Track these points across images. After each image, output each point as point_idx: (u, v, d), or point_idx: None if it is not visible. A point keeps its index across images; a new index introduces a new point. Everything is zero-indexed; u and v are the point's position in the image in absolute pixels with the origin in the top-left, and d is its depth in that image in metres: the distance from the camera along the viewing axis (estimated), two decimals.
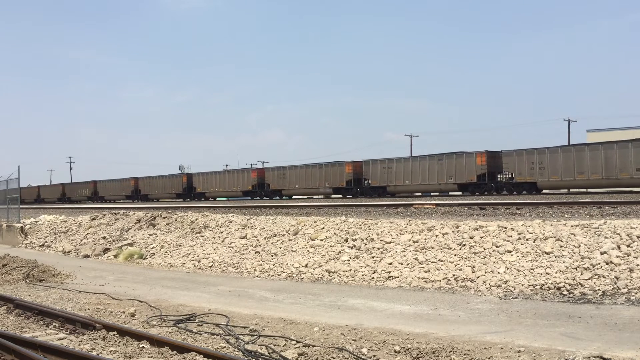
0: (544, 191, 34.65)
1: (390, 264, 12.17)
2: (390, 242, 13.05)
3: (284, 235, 15.58)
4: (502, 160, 35.75)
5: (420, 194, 42.19)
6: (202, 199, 54.01)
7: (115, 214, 24.64)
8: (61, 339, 8.20)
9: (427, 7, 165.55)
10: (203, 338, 8.02)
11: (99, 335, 8.12)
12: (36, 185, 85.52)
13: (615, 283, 9.32)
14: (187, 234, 18.44)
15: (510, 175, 35.79)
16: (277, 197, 46.85)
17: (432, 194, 42.24)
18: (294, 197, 46.94)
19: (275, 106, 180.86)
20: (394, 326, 8.08)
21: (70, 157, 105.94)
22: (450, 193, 39.57)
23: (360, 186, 42.97)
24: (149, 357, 7.15)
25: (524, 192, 33.96)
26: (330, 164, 44.56)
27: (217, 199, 52.93)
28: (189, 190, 56.42)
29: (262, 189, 49.34)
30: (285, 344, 7.50)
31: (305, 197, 46.37)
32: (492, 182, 36.13)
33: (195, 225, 18.93)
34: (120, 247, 19.17)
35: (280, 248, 14.79)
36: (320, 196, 44.79)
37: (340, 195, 43.50)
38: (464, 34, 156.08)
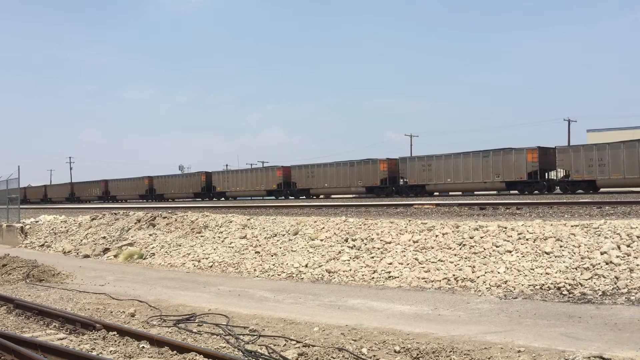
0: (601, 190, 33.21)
1: (390, 264, 12.17)
2: (390, 242, 13.06)
3: (284, 235, 15.58)
4: (556, 157, 33.69)
5: (461, 193, 39.42)
6: (222, 199, 52.12)
7: (115, 214, 24.63)
8: (61, 339, 8.20)
9: (427, 7, 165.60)
10: (203, 338, 8.02)
11: (99, 335, 8.12)
12: (43, 185, 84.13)
13: (615, 283, 9.32)
14: (187, 234, 18.44)
15: (565, 173, 33.65)
16: (304, 197, 44.95)
17: (476, 193, 39.00)
18: (322, 196, 45.07)
19: (275, 106, 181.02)
20: (394, 326, 8.08)
21: (70, 157, 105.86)
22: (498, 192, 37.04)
23: (395, 185, 41.08)
24: (149, 357, 7.15)
25: (580, 191, 31.91)
26: (364, 161, 42.53)
27: (237, 198, 51.34)
28: (208, 189, 54.61)
29: (287, 188, 47.41)
30: (285, 344, 7.50)
31: (335, 196, 44.25)
32: (544, 180, 34.24)
33: (195, 225, 18.93)
34: (120, 247, 19.17)
35: (280, 248, 14.79)
36: (351, 196, 42.84)
37: (374, 195, 41.25)
38: (464, 34, 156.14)
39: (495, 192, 36.52)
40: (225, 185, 52.69)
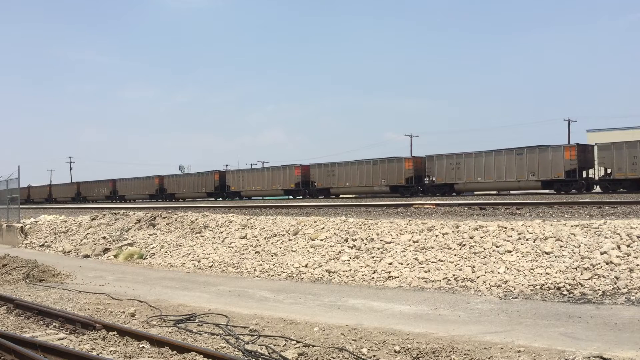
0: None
1: (390, 264, 12.17)
2: (390, 242, 13.05)
3: (284, 235, 15.58)
4: (598, 154, 32.03)
5: (495, 192, 37.30)
6: (236, 198, 50.49)
7: (115, 214, 24.64)
8: (61, 339, 8.20)
9: (427, 7, 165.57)
10: (203, 338, 8.02)
11: (99, 335, 8.12)
12: (47, 184, 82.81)
13: (615, 283, 9.32)
14: (187, 234, 18.44)
15: (605, 171, 32.05)
16: (322, 197, 43.29)
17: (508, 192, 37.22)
18: (342, 195, 43.72)
19: (276, 106, 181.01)
20: (394, 326, 8.08)
21: (70, 157, 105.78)
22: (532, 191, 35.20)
23: (421, 183, 39.42)
24: (149, 357, 7.15)
25: (622, 189, 30.36)
26: (387, 159, 40.87)
27: (252, 198, 50.07)
28: (221, 189, 53.10)
29: (306, 187, 45.66)
30: (285, 344, 7.50)
31: (356, 196, 42.86)
32: (582, 179, 32.77)
33: (195, 225, 18.93)
34: (120, 247, 19.17)
35: (280, 248, 14.78)
36: (373, 195, 40.82)
37: (398, 194, 39.70)
38: (464, 34, 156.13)
39: (530, 191, 34.75)
40: (240, 185, 51.12)
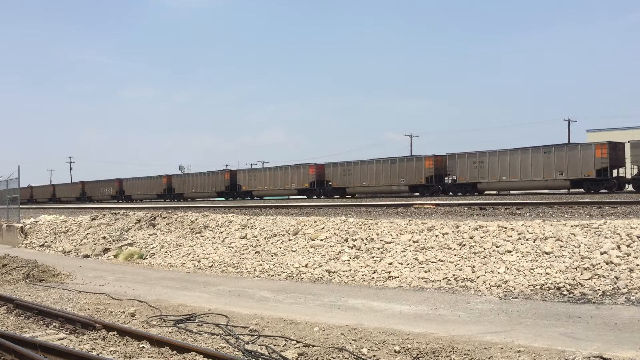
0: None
1: (390, 264, 12.17)
2: (390, 242, 13.06)
3: (284, 235, 15.58)
4: (631, 152, 30.85)
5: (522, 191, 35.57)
6: (248, 198, 49.42)
7: (115, 214, 24.64)
8: (61, 339, 8.20)
9: (427, 7, 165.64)
10: (203, 338, 8.02)
11: (99, 335, 8.12)
12: (51, 184, 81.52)
13: (615, 283, 9.32)
14: (187, 234, 18.44)
15: None
16: (338, 196, 42.23)
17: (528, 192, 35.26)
18: (358, 195, 42.19)
19: (276, 106, 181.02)
20: (394, 326, 8.08)
21: (70, 157, 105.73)
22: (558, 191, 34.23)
23: (441, 183, 38.18)
24: (149, 357, 7.15)
25: None
26: (407, 158, 40.20)
27: (264, 198, 48.65)
28: (232, 188, 51.77)
29: (321, 186, 44.35)
30: (285, 344, 7.51)
31: (374, 195, 40.79)
32: (614, 177, 31.42)
33: (195, 225, 18.93)
34: (120, 247, 19.17)
35: (280, 248, 14.78)
36: (391, 195, 39.61)
37: (418, 194, 38.92)
38: (464, 34, 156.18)
39: (558, 190, 33.90)
40: (252, 184, 49.78)
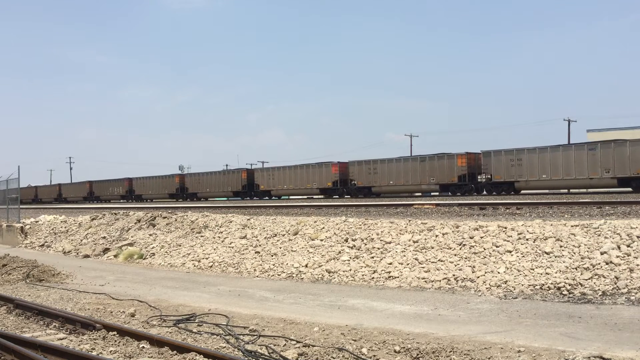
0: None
1: (390, 264, 12.17)
2: (390, 242, 13.06)
3: (284, 235, 15.58)
4: None
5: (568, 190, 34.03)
6: (266, 198, 47.86)
7: (115, 214, 24.65)
8: (61, 339, 8.20)
9: (427, 7, 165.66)
10: (203, 338, 8.02)
11: (99, 335, 8.12)
12: (57, 184, 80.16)
13: (615, 283, 9.32)
14: (187, 234, 18.45)
15: None
16: (362, 196, 40.58)
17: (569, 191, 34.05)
18: (383, 195, 40.38)
19: (275, 106, 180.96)
20: (394, 326, 8.08)
21: (70, 157, 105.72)
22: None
23: (475, 182, 36.43)
24: (149, 357, 7.15)
25: None
26: (437, 156, 37.97)
27: (282, 197, 47.14)
28: (249, 188, 50.24)
29: (344, 185, 42.95)
30: (285, 344, 7.51)
31: (402, 195, 39.54)
32: None
33: (195, 225, 18.93)
34: (120, 247, 19.17)
35: (280, 248, 14.79)
36: (420, 194, 38.36)
37: (449, 193, 37.20)
38: (464, 34, 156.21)
39: (604, 189, 31.62)
40: (271, 184, 48.00)
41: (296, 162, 44.09)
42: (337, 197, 41.80)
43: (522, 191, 34.45)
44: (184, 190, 57.00)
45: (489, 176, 35.64)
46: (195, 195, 55.66)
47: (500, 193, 33.93)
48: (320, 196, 43.84)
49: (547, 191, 33.62)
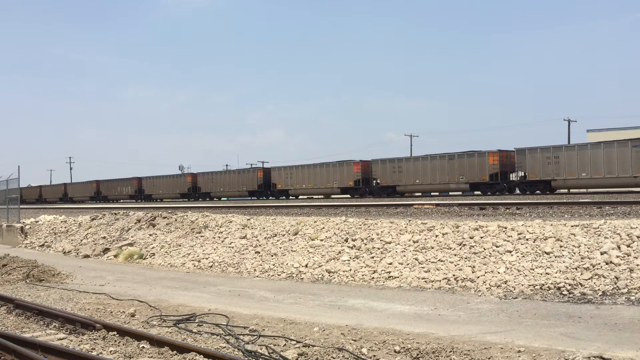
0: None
1: (390, 264, 12.17)
2: (390, 242, 13.05)
3: (284, 235, 15.58)
4: None
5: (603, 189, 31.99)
6: (283, 198, 46.68)
7: (115, 214, 24.64)
8: (61, 339, 8.20)
9: (427, 7, 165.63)
10: (203, 338, 8.02)
11: (99, 335, 8.12)
12: (62, 183, 78.83)
13: (615, 283, 9.32)
14: (187, 234, 18.44)
15: None
16: (385, 195, 39.23)
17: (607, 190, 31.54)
18: (407, 194, 39.55)
19: (276, 106, 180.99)
20: (394, 326, 8.08)
21: (70, 157, 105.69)
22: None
23: (507, 181, 35.29)
24: (149, 357, 7.15)
25: None
26: (467, 153, 36.74)
27: (300, 197, 45.81)
28: (266, 187, 49.11)
29: (366, 185, 41.79)
30: (285, 344, 7.50)
31: (429, 194, 38.71)
32: None
33: (195, 225, 18.93)
34: (120, 247, 19.17)
35: (280, 248, 14.79)
36: (450, 193, 37.23)
37: (479, 192, 36.21)
38: (464, 34, 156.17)
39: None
40: (288, 183, 46.86)
41: (315, 161, 44.53)
42: (359, 196, 40.60)
43: (558, 190, 33.36)
44: (196, 190, 55.79)
45: (523, 175, 34.32)
46: (209, 194, 54.52)
47: (535, 192, 32.74)
48: (341, 196, 42.82)
49: (584, 190, 32.52)
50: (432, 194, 41.17)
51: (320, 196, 44.35)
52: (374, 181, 41.77)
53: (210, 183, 54.65)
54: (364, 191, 41.63)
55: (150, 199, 60.23)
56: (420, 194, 41.07)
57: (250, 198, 49.98)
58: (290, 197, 46.33)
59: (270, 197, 48.14)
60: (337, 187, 43.19)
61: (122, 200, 63.05)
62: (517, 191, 34.56)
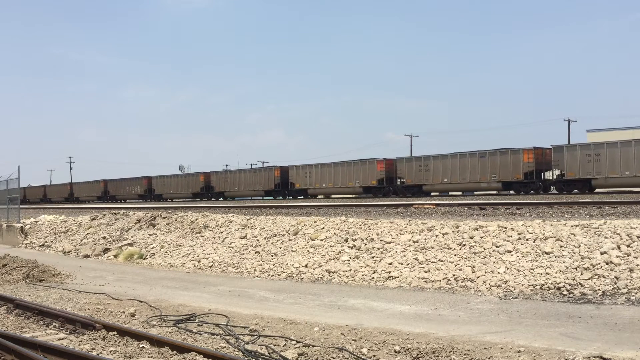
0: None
1: (390, 264, 12.17)
2: (390, 242, 13.05)
3: (284, 235, 15.58)
4: None
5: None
6: (301, 197, 45.33)
7: (115, 214, 24.64)
8: (61, 339, 8.20)
9: (427, 7, 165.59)
10: (203, 338, 8.02)
11: (99, 335, 8.12)
12: (68, 183, 77.57)
13: (615, 283, 9.32)
14: (187, 234, 18.44)
15: None
16: (410, 195, 38.26)
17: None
18: (434, 193, 38.46)
19: (276, 106, 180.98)
20: (394, 326, 8.08)
21: (70, 157, 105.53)
22: None
23: (541, 179, 34.20)
24: (149, 357, 7.15)
25: None
26: (500, 151, 35.30)
27: (318, 197, 44.36)
28: (283, 186, 47.90)
29: (390, 184, 40.66)
30: (285, 344, 7.50)
31: (465, 193, 37.04)
32: None
33: (195, 225, 18.92)
34: (120, 247, 19.17)
35: (280, 248, 14.78)
36: (489, 192, 35.76)
37: (512, 191, 34.99)
38: (464, 34, 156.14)
39: None
40: (307, 182, 45.52)
41: (337, 159, 42.34)
42: (382, 196, 39.28)
43: (598, 189, 32.15)
44: (209, 190, 54.51)
45: (560, 173, 33.19)
46: (222, 194, 53.18)
47: (572, 192, 31.75)
48: (365, 195, 41.62)
49: (626, 189, 30.95)
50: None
51: (341, 196, 43.25)
52: (399, 180, 40.60)
53: (224, 182, 53.32)
54: (387, 190, 40.42)
55: (161, 199, 58.97)
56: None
57: (267, 198, 48.84)
58: (309, 197, 45.08)
59: (288, 197, 47.00)
60: (359, 186, 41.95)
61: (130, 201, 61.79)
62: (554, 190, 33.47)
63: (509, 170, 34.68)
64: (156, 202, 56.18)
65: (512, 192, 34.88)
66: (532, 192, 33.43)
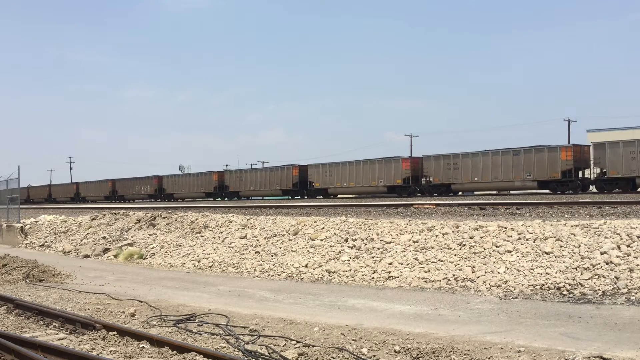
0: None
1: (390, 264, 12.17)
2: (390, 242, 13.06)
3: (284, 235, 15.58)
4: None
5: None
6: (320, 197, 43.25)
7: (115, 214, 24.63)
8: (61, 339, 8.20)
9: (427, 7, 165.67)
10: (203, 338, 8.02)
11: (99, 335, 8.12)
12: (73, 182, 75.58)
13: (615, 283, 9.33)
14: (187, 234, 18.44)
15: None
16: (437, 194, 37.07)
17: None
18: (465, 193, 37.06)
19: (276, 106, 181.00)
20: (394, 326, 8.08)
21: (70, 157, 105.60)
22: None
23: (581, 177, 32.76)
24: (149, 357, 7.15)
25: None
26: (535, 148, 33.84)
27: (338, 196, 43.39)
28: (302, 185, 46.37)
29: (416, 182, 39.34)
30: (285, 344, 7.51)
31: (493, 192, 35.82)
32: None
33: (195, 225, 18.93)
34: (120, 247, 19.17)
35: (280, 248, 14.79)
36: (516, 192, 34.44)
37: (549, 190, 33.40)
38: (464, 34, 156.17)
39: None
40: (327, 181, 43.94)
41: (356, 158, 41.02)
42: (407, 195, 38.03)
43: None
44: (223, 189, 53.12)
45: (600, 171, 31.69)
46: (237, 194, 51.66)
47: (613, 191, 30.15)
48: (389, 194, 39.78)
49: None
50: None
51: (363, 195, 41.77)
52: (425, 179, 39.22)
53: (239, 181, 51.83)
54: (413, 190, 39.13)
55: (172, 199, 57.57)
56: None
57: (284, 197, 47.41)
58: (330, 196, 43.86)
59: (306, 197, 45.50)
60: (383, 185, 40.52)
61: (140, 200, 60.23)
62: (593, 189, 32.25)
63: (546, 169, 33.25)
64: (167, 202, 54.91)
65: (547, 191, 33.55)
66: (570, 191, 32.10)
